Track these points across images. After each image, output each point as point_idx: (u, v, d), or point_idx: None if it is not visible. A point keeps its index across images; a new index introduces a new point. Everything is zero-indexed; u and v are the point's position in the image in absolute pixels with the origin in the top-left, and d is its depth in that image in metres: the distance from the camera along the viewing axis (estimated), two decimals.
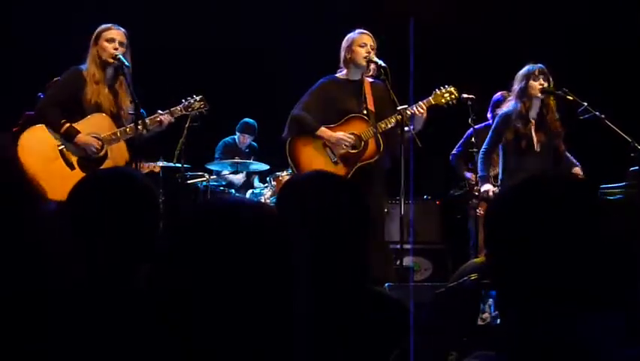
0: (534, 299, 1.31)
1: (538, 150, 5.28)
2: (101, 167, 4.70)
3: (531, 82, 5.27)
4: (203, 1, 7.92)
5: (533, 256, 1.31)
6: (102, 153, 4.82)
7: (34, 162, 4.69)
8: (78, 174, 4.69)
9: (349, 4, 7.51)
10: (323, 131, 5.03)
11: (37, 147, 4.74)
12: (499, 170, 5.62)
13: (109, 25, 4.86)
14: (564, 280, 1.32)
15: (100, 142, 4.79)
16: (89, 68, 4.81)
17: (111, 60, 4.78)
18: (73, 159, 4.80)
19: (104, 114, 4.81)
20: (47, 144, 4.75)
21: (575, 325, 1.31)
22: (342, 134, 5.03)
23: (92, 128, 4.80)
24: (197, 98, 5.10)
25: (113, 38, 4.80)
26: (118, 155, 4.85)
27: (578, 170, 5.52)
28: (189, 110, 5.07)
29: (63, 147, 4.77)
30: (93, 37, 4.84)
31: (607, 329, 1.38)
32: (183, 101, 5.07)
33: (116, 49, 4.77)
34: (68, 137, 4.75)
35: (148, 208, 1.86)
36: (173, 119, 4.99)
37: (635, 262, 1.75)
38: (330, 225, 1.86)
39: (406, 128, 4.90)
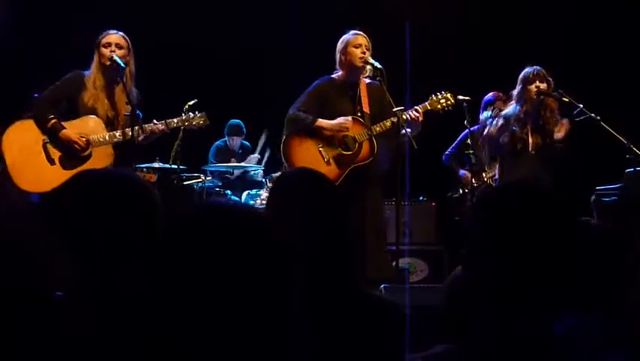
0: (509, 295, 1.42)
1: (533, 152, 5.29)
2: (83, 167, 4.73)
3: (528, 85, 5.29)
4: (202, 1, 7.90)
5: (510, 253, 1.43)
6: (87, 153, 4.84)
7: (14, 151, 4.77)
8: (57, 170, 4.77)
9: (348, 4, 7.52)
10: (320, 121, 5.03)
11: (21, 138, 4.81)
12: (497, 170, 5.65)
13: (107, 31, 4.91)
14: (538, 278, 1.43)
15: (84, 141, 4.80)
16: (92, 73, 4.87)
17: (108, 63, 4.81)
18: (56, 155, 4.84)
19: (97, 118, 4.86)
20: (32, 137, 4.82)
21: (547, 322, 1.43)
22: (341, 119, 5.02)
23: (82, 129, 4.85)
24: (199, 115, 5.09)
25: (109, 42, 4.86)
26: (102, 157, 4.86)
27: None
28: (186, 123, 5.06)
29: (47, 141, 4.81)
30: (95, 44, 4.90)
31: (584, 330, 1.45)
32: (183, 114, 5.07)
33: (112, 52, 4.81)
34: (53, 131, 4.79)
35: (146, 209, 1.85)
36: (167, 130, 4.99)
37: (618, 266, 1.82)
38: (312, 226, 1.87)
39: (402, 131, 4.91)
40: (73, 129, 4.82)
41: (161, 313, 1.20)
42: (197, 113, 5.11)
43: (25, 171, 4.73)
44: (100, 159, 4.85)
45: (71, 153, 4.82)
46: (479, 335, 1.42)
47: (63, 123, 4.82)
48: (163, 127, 4.96)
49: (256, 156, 7.61)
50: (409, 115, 4.97)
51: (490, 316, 1.42)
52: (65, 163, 4.81)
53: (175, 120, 5.03)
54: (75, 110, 4.85)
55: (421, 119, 5.00)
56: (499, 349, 1.41)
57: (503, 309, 1.42)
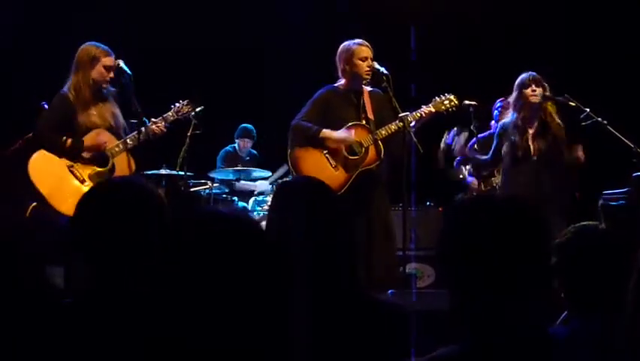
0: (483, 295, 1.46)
1: (535, 157, 5.28)
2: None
3: (523, 90, 5.29)
4: (201, 3, 7.91)
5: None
6: (109, 166, 4.86)
7: (45, 182, 4.75)
8: (89, 187, 4.69)
9: (349, 5, 7.53)
10: (325, 132, 5.05)
11: (48, 168, 4.79)
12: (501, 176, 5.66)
13: (105, 48, 4.88)
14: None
15: (104, 143, 4.81)
16: (79, 91, 4.81)
17: (105, 86, 4.84)
18: (84, 174, 4.84)
19: (102, 129, 4.86)
20: (57, 164, 4.80)
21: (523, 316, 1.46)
22: (344, 132, 5.04)
23: (94, 142, 4.85)
24: (184, 103, 5.15)
25: (111, 67, 4.85)
26: (124, 166, 4.89)
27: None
28: (180, 114, 5.13)
29: (71, 165, 4.82)
30: (88, 58, 4.83)
31: (588, 333, 1.48)
32: (172, 106, 5.13)
33: (111, 78, 4.85)
34: (75, 150, 4.78)
35: (153, 214, 1.87)
36: (167, 125, 5.03)
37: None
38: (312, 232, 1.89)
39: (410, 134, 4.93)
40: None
41: (164, 314, 1.21)
42: (182, 102, 5.15)
43: (62, 198, 4.71)
44: (122, 169, 4.88)
45: (98, 167, 4.83)
46: (482, 336, 1.44)
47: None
48: (162, 123, 4.99)
49: (266, 183, 7.58)
50: (421, 112, 5.01)
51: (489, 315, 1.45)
52: (94, 179, 4.80)
53: (170, 113, 5.08)
54: (74, 131, 4.82)
55: (432, 110, 5.05)
56: (500, 349, 1.43)
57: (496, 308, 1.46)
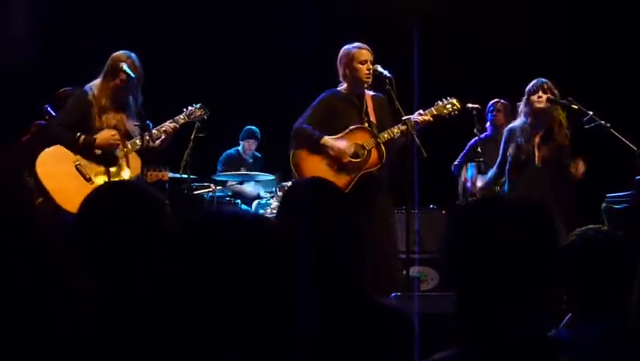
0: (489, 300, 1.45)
1: (540, 164, 5.27)
2: (119, 179, 4.87)
3: (530, 97, 5.31)
4: (201, 3, 7.92)
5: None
6: (116, 167, 4.94)
7: (52, 179, 4.82)
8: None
9: (350, 6, 7.53)
10: (326, 140, 5.05)
11: (55, 166, 4.86)
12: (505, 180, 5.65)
13: (134, 57, 4.92)
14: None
15: (117, 137, 4.86)
16: (102, 94, 4.89)
17: (127, 94, 4.91)
18: (91, 173, 4.90)
19: (113, 130, 4.91)
20: (65, 163, 4.87)
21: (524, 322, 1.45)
22: (343, 145, 5.04)
23: (107, 142, 4.91)
24: (197, 106, 5.23)
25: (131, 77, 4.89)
26: (135, 166, 4.96)
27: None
28: (192, 117, 5.21)
29: (79, 163, 4.87)
30: (114, 66, 4.89)
31: (592, 337, 1.47)
32: (184, 110, 5.19)
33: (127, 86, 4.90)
34: (88, 146, 4.85)
35: (154, 217, 1.87)
36: (178, 126, 5.11)
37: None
38: (320, 233, 1.88)
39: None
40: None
41: (164, 314, 1.21)
42: (195, 106, 5.23)
43: (69, 195, 4.74)
44: (134, 169, 4.97)
45: (106, 166, 4.90)
46: (482, 339, 1.44)
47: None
48: (174, 124, 5.07)
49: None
50: (418, 119, 5.01)
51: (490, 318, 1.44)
52: (101, 178, 4.87)
53: (181, 116, 5.17)
54: (89, 129, 4.89)
55: (430, 119, 5.04)
56: (500, 352, 1.42)
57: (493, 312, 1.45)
